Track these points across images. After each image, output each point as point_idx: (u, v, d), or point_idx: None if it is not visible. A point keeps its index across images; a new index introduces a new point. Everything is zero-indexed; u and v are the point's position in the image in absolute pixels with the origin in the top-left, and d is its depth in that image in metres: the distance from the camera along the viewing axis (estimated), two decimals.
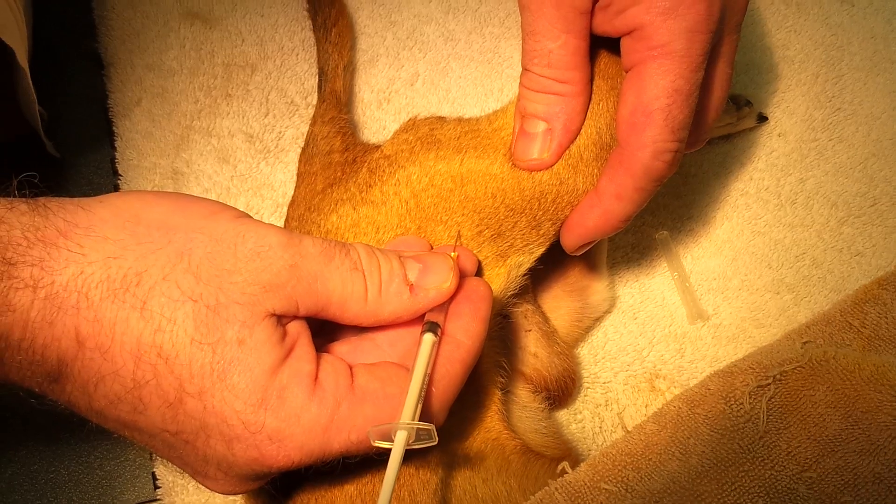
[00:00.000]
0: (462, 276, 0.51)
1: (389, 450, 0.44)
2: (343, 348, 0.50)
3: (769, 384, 0.54)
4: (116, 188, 0.77)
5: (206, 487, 0.48)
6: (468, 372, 0.50)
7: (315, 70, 0.80)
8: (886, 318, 0.59)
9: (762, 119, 0.80)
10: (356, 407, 0.45)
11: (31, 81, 0.66)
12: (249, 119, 0.79)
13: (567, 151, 0.57)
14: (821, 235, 0.77)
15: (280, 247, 0.45)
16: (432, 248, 0.55)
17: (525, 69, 0.57)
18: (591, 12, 0.54)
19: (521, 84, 0.58)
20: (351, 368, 0.47)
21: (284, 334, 0.45)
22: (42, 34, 0.79)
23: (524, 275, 0.60)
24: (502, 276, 0.58)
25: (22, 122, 0.72)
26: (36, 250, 0.41)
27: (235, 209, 0.47)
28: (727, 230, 0.77)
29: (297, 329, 0.46)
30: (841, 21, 0.84)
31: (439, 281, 0.49)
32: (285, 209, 0.75)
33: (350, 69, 0.79)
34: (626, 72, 0.54)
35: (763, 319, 0.74)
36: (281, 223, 0.70)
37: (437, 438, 0.45)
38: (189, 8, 0.83)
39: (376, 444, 0.45)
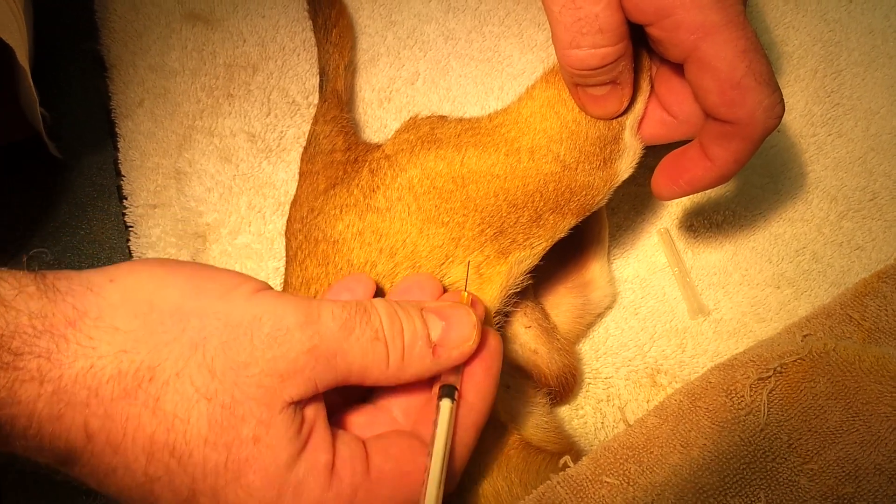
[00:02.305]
0: None
1: None
2: (357, 420, 0.49)
3: (770, 377, 0.55)
4: (119, 189, 0.77)
5: None
6: (479, 434, 0.49)
7: (316, 70, 0.81)
8: (886, 310, 0.59)
9: None
10: (373, 492, 0.45)
11: (31, 81, 0.66)
12: (251, 119, 0.80)
13: (574, 136, 0.58)
14: (821, 230, 0.77)
15: (298, 328, 0.44)
16: (445, 289, 0.55)
17: (570, 48, 0.54)
18: None
19: (568, 69, 0.55)
20: (365, 445, 0.46)
21: (302, 423, 0.44)
22: (44, 36, 0.79)
23: (526, 272, 0.60)
24: (504, 274, 0.58)
25: (24, 123, 0.73)
26: (43, 341, 0.40)
27: (254, 281, 0.46)
28: (727, 225, 0.77)
29: (314, 413, 0.45)
30: (839, 17, 0.84)
31: (462, 340, 0.48)
32: (287, 208, 0.75)
33: (351, 68, 0.79)
34: (683, 63, 0.53)
35: (764, 314, 0.74)
36: (283, 221, 0.70)
37: None
38: (191, 9, 0.83)
39: None
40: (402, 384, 0.48)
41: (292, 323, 0.44)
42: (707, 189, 0.59)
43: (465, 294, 0.51)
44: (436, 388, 0.48)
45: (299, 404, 0.44)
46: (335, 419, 0.48)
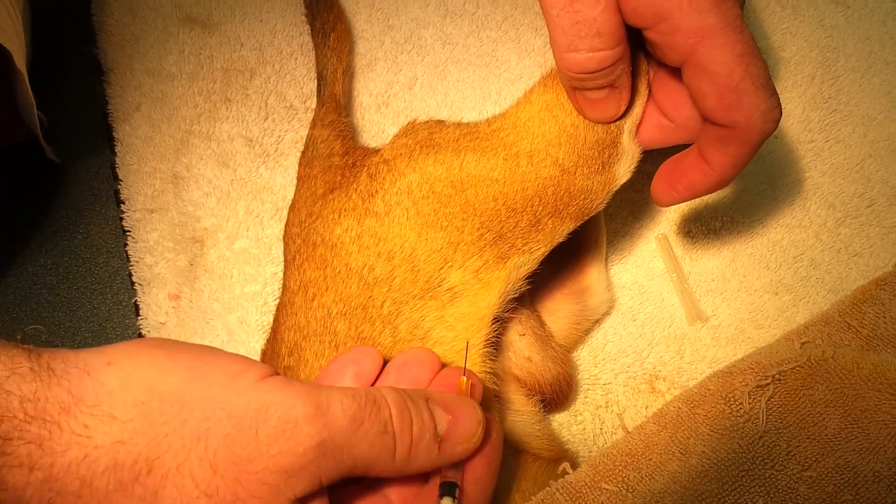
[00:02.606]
0: None
1: None
2: None
3: (768, 384, 0.55)
4: (116, 193, 0.77)
5: None
6: None
7: (313, 74, 0.80)
8: (884, 317, 0.59)
9: None
10: None
11: (29, 85, 0.66)
12: (249, 123, 0.79)
13: (573, 140, 0.58)
14: (818, 236, 0.77)
15: (306, 421, 0.42)
16: (442, 364, 0.54)
17: (568, 52, 0.54)
18: None
19: (566, 72, 0.55)
20: None
21: None
22: (41, 40, 0.79)
23: (525, 276, 0.60)
24: (502, 279, 0.58)
25: (22, 127, 0.72)
26: (35, 427, 0.38)
27: (260, 366, 0.44)
28: (725, 232, 0.77)
29: None
30: (836, 23, 0.85)
31: (468, 436, 0.47)
32: (285, 212, 0.75)
33: (349, 73, 0.79)
34: (681, 67, 0.53)
35: (762, 320, 0.74)
36: (281, 226, 0.70)
37: None
38: (188, 13, 0.83)
39: None
40: (406, 476, 0.48)
41: (300, 415, 0.42)
42: (706, 194, 0.59)
43: (464, 379, 0.50)
44: (435, 484, 0.48)
45: (304, 500, 0.43)
46: (333, 497, 0.47)
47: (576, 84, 0.56)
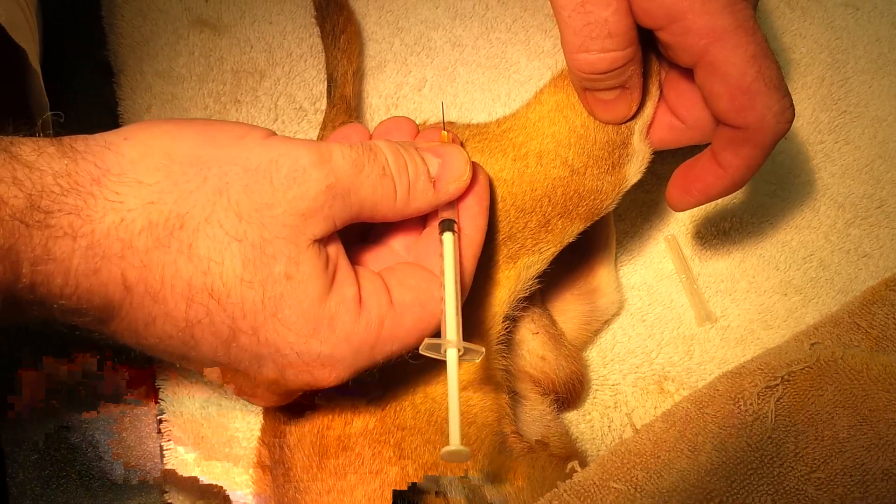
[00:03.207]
0: None
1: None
2: (367, 256, 0.52)
3: (777, 385, 0.55)
4: None
5: (248, 401, 0.50)
6: (478, 261, 0.53)
7: (323, 76, 0.81)
8: (894, 318, 0.59)
9: None
10: (398, 320, 0.48)
11: (43, 85, 0.67)
12: (258, 125, 0.79)
13: (582, 141, 0.58)
14: (828, 237, 0.77)
15: (313, 167, 0.45)
16: (418, 129, 0.57)
17: (579, 52, 0.54)
18: None
19: (577, 73, 0.55)
20: (382, 279, 0.49)
21: (327, 260, 0.46)
22: (52, 42, 0.79)
23: (535, 277, 0.60)
24: (512, 279, 0.58)
25: (33, 128, 0.73)
26: (71, 198, 0.40)
27: (261, 129, 0.47)
28: (734, 232, 0.77)
29: (336, 251, 0.48)
30: (846, 24, 0.84)
31: (458, 174, 0.51)
32: None
33: (359, 75, 0.80)
34: (693, 68, 0.53)
35: (771, 321, 0.74)
36: None
37: (483, 351, 0.47)
38: (198, 15, 0.83)
39: (426, 354, 0.47)
40: (404, 220, 0.52)
41: (307, 163, 0.45)
42: (721, 197, 0.59)
43: (445, 133, 0.54)
44: (435, 224, 0.51)
45: (322, 242, 0.46)
46: (348, 257, 0.50)
47: (587, 84, 0.56)
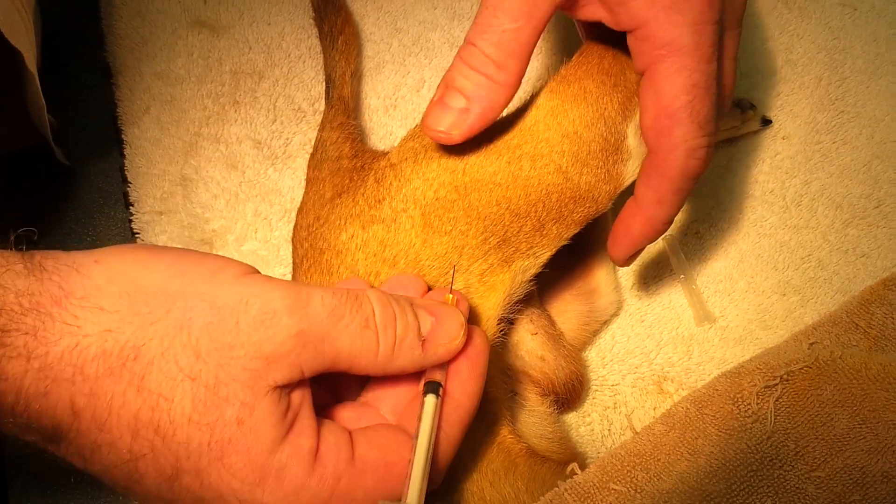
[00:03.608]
0: None
1: None
2: (345, 414, 0.50)
3: (776, 384, 0.55)
4: (125, 195, 0.78)
5: None
6: (465, 432, 0.50)
7: (321, 77, 0.81)
8: (892, 318, 0.59)
9: (766, 122, 0.81)
10: (356, 480, 0.44)
11: (40, 87, 0.67)
12: (257, 126, 0.80)
13: (576, 147, 0.57)
14: (826, 237, 0.77)
15: (286, 312, 0.43)
16: (429, 287, 0.55)
17: (468, 42, 0.55)
18: (576, 4, 0.54)
19: (457, 55, 0.56)
20: (351, 436, 0.46)
21: (287, 408, 0.44)
22: (50, 44, 0.79)
23: (530, 280, 0.60)
24: (507, 282, 0.58)
25: (32, 130, 0.73)
26: (30, 318, 0.40)
27: (240, 264, 0.46)
28: (733, 233, 0.77)
29: (300, 399, 0.45)
30: (843, 25, 0.85)
31: (450, 337, 0.48)
32: (293, 214, 0.75)
33: (357, 76, 0.80)
34: (640, 75, 0.54)
35: (770, 321, 0.74)
36: (289, 228, 0.70)
37: None
38: (197, 17, 0.83)
39: None
40: (390, 378, 0.49)
41: (280, 307, 0.43)
42: (645, 240, 0.59)
43: (451, 296, 0.51)
44: (421, 385, 0.49)
45: (285, 389, 0.44)
46: (322, 413, 0.48)
47: (451, 74, 0.57)
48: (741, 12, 0.55)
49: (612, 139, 0.58)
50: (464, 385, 0.49)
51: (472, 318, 0.57)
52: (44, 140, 0.73)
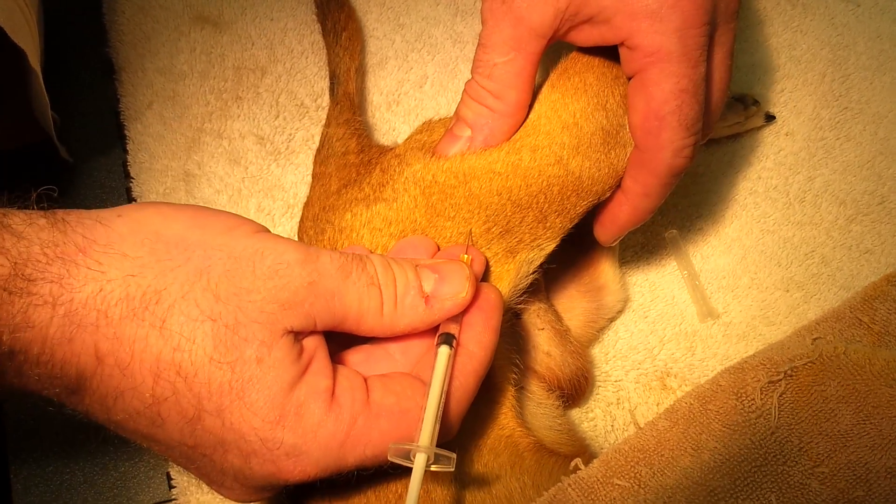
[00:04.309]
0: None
1: (404, 467, 0.45)
2: (356, 357, 0.51)
3: (780, 380, 0.55)
4: (128, 191, 0.78)
5: (221, 495, 0.49)
6: (480, 382, 0.50)
7: (324, 73, 0.81)
8: None
9: (770, 118, 0.80)
10: (372, 422, 0.45)
11: (43, 84, 0.67)
12: (260, 121, 0.80)
13: (577, 139, 0.58)
14: (829, 233, 0.77)
15: (298, 264, 0.45)
16: (439, 247, 0.56)
17: (471, 75, 0.59)
18: (560, 34, 0.56)
19: (464, 89, 0.60)
20: (366, 381, 0.47)
21: (301, 351, 0.45)
22: (53, 40, 0.79)
23: (534, 272, 0.60)
24: (512, 273, 0.58)
25: (35, 127, 0.73)
26: (55, 267, 0.41)
27: (253, 222, 0.48)
28: (736, 229, 0.77)
29: (314, 344, 0.46)
30: (847, 21, 0.84)
31: (455, 291, 0.49)
32: (296, 210, 0.75)
33: (361, 71, 0.79)
34: (629, 78, 0.55)
35: (773, 317, 0.74)
36: (293, 224, 0.71)
37: (454, 465, 0.45)
38: (199, 12, 0.83)
39: (393, 461, 0.45)
40: (398, 335, 0.50)
41: (292, 259, 0.45)
42: (629, 226, 0.61)
43: (466, 256, 0.52)
44: (436, 338, 0.49)
45: (299, 335, 0.46)
46: (336, 359, 0.49)
47: (459, 106, 0.61)
48: (735, 6, 0.56)
49: (614, 131, 0.58)
50: (478, 337, 0.50)
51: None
52: (46, 137, 0.73)
